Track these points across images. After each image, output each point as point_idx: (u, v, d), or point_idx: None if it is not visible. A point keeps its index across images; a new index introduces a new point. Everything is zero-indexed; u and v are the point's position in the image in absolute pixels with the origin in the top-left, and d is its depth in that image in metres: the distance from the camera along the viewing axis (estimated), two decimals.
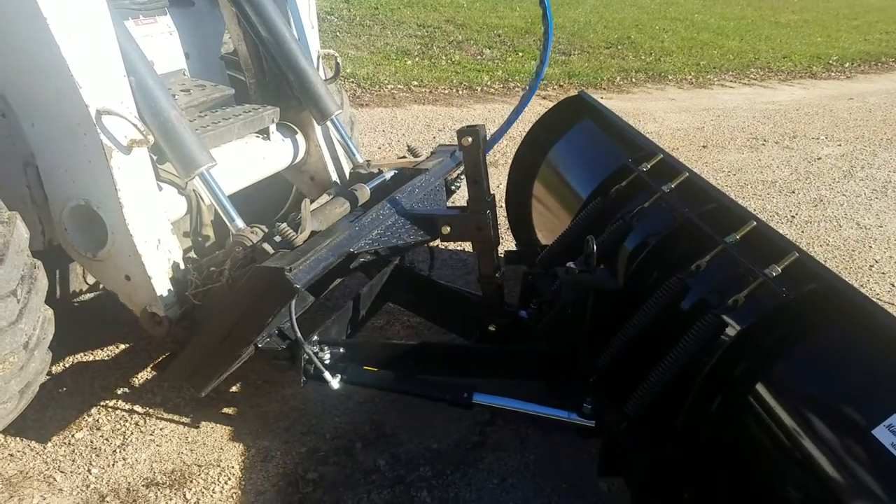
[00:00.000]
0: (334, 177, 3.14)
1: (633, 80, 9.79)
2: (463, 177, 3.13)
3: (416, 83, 7.90)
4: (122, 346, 2.89)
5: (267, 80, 3.03)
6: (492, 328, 2.62)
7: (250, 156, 2.81)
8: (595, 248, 2.30)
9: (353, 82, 7.49)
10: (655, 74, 10.12)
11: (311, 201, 3.25)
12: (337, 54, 3.14)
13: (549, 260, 2.89)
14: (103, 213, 2.10)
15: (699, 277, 2.19)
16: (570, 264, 2.33)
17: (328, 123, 3.01)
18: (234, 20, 2.92)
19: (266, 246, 2.10)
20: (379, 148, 5.73)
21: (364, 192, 2.71)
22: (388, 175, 2.91)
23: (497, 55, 10.10)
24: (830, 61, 12.04)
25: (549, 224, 3.77)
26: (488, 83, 8.48)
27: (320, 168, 3.14)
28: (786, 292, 1.92)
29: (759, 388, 1.90)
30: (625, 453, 2.12)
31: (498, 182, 5.35)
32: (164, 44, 2.88)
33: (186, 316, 2.19)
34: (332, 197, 2.67)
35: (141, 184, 2.13)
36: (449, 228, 2.49)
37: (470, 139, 2.38)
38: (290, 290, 1.90)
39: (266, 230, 2.21)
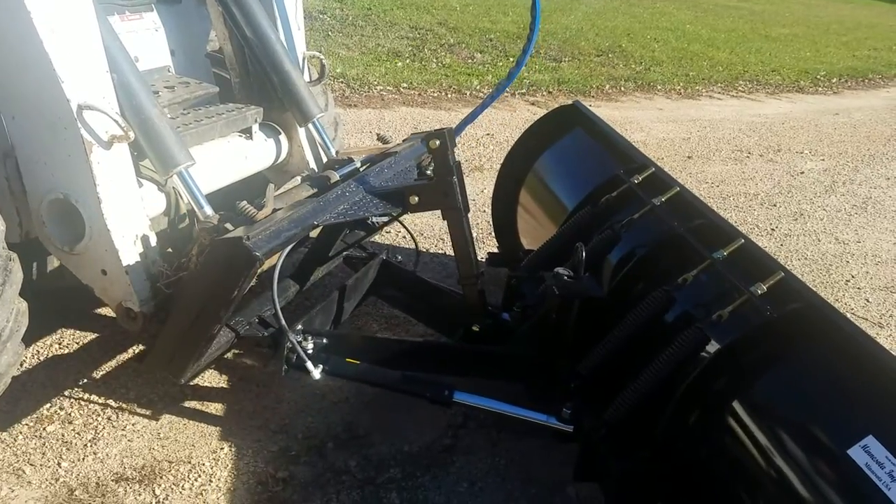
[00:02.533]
0: None
1: (622, 88, 9.85)
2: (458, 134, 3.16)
3: (405, 85, 7.92)
4: (98, 338, 2.89)
5: (251, 80, 3.05)
6: (475, 328, 2.64)
7: (232, 155, 2.82)
8: (584, 255, 2.34)
9: (342, 82, 7.50)
10: (644, 84, 10.19)
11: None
12: (322, 56, 3.16)
13: (535, 264, 2.92)
14: (81, 207, 2.10)
15: (685, 290, 2.23)
16: (558, 270, 2.37)
17: (309, 125, 3.03)
18: (220, 19, 2.94)
19: (227, 225, 2.12)
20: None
21: (333, 177, 2.73)
22: (359, 162, 2.93)
23: (488, 59, 10.13)
24: (818, 76, 12.18)
25: (534, 230, 3.80)
26: (477, 87, 8.52)
27: (302, 168, 3.15)
28: (770, 310, 1.96)
29: (738, 404, 1.94)
30: (602, 460, 2.15)
31: (483, 186, 5.39)
32: (149, 40, 2.89)
33: (161, 309, 2.20)
34: (299, 183, 2.69)
35: (120, 179, 2.14)
36: (417, 198, 2.50)
37: (438, 142, 2.43)
38: (250, 259, 1.89)
39: None
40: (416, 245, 3.19)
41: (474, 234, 4.56)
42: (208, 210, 2.28)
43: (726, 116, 9.02)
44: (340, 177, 2.75)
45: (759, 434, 1.91)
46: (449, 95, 8.01)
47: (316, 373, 2.24)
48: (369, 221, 3.00)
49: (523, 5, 14.73)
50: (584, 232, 2.88)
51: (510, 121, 7.36)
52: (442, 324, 2.85)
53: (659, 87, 10.17)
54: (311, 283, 2.85)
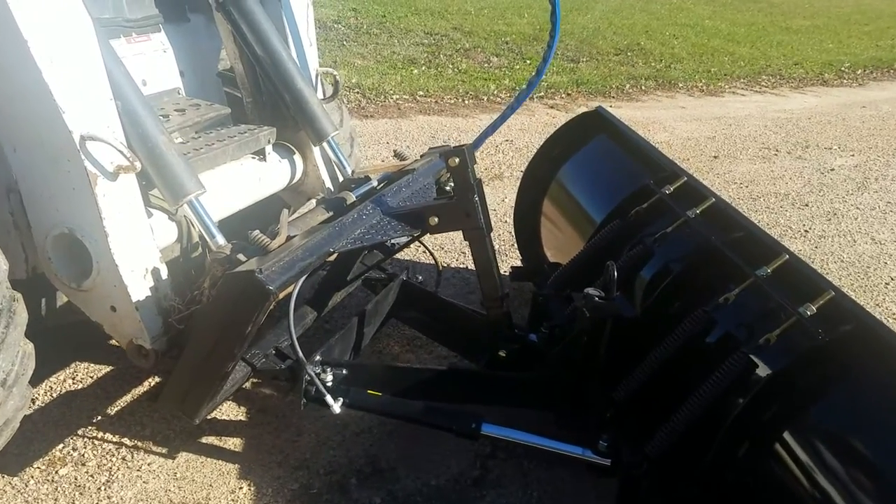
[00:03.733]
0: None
1: (643, 87, 9.67)
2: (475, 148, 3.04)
3: (421, 93, 7.82)
4: (113, 371, 2.81)
5: (264, 99, 2.95)
6: (501, 354, 2.52)
7: (245, 178, 2.72)
8: (616, 274, 2.22)
9: (357, 93, 7.42)
10: (665, 82, 10.00)
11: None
12: (336, 72, 3.06)
13: (562, 281, 2.79)
14: (88, 241, 2.01)
15: (727, 311, 2.10)
16: (589, 290, 2.25)
17: (324, 144, 2.92)
18: (230, 38, 2.85)
19: (240, 256, 2.02)
20: (382, 160, 5.65)
21: (349, 198, 2.63)
22: (376, 181, 2.83)
23: (504, 63, 10.01)
24: (842, 68, 11.89)
25: (559, 242, 3.68)
26: (495, 92, 8.39)
27: (318, 188, 3.05)
28: (821, 333, 1.82)
29: (790, 434, 1.82)
30: (644, 496, 2.02)
31: (503, 195, 5.26)
32: (157, 62, 2.80)
33: (173, 345, 2.10)
34: (314, 206, 2.59)
35: (128, 211, 2.05)
36: (437, 219, 2.39)
37: (457, 159, 2.31)
38: (263, 293, 1.80)
39: None
40: (438, 264, 3.07)
41: (496, 246, 4.44)
42: (220, 239, 2.18)
43: (751, 113, 8.81)
44: (357, 197, 2.65)
45: (814, 465, 1.78)
46: (466, 102, 7.89)
47: (336, 407, 2.13)
48: (388, 244, 2.89)
49: (538, 6, 14.59)
50: (613, 246, 2.75)
51: (529, 126, 7.22)
52: (466, 347, 2.73)
53: (680, 85, 9.97)
54: (330, 308, 2.74)
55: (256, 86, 2.93)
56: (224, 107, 2.86)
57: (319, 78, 3.11)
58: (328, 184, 3.06)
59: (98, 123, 1.96)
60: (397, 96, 7.56)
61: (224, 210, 2.61)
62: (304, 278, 2.05)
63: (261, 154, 2.82)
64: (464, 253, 4.24)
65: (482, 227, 2.41)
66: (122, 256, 2.02)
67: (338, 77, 3.05)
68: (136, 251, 2.07)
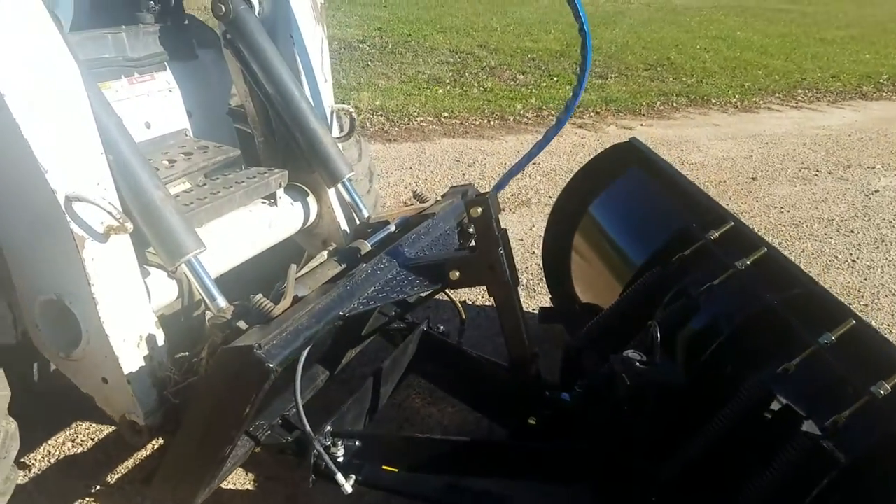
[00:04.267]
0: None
1: (675, 104, 9.41)
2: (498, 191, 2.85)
3: (446, 114, 7.64)
4: (115, 433, 2.64)
5: (276, 138, 2.78)
6: (532, 421, 2.30)
7: (254, 225, 2.55)
8: (659, 336, 2.01)
9: (381, 115, 7.27)
10: (698, 98, 9.72)
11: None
12: (352, 109, 2.88)
13: (598, 333, 2.58)
14: (76, 309, 1.85)
15: (787, 383, 1.87)
16: (628, 353, 2.04)
17: (339, 185, 2.74)
18: (240, 76, 2.69)
19: (240, 323, 1.83)
20: (405, 187, 5.47)
21: (363, 248, 2.45)
22: (393, 226, 2.65)
23: (531, 80, 9.81)
24: (881, 80, 11.49)
25: (591, 281, 3.46)
26: (521, 112, 8.19)
27: (333, 231, 2.87)
28: None
29: None
30: None
31: (531, 223, 5.05)
32: (163, 102, 2.65)
33: (169, 420, 1.92)
34: (326, 258, 2.41)
35: (120, 275, 1.88)
36: (458, 273, 2.21)
37: (480, 209, 2.12)
38: (262, 372, 1.62)
39: None
40: (461, 313, 2.86)
41: (523, 280, 4.22)
42: (221, 301, 2.00)
43: (788, 130, 8.50)
44: (372, 246, 2.47)
45: None
46: (492, 122, 7.70)
47: (347, 486, 1.93)
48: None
49: (565, 21, 14.39)
50: (653, 296, 2.53)
51: (557, 147, 6.99)
52: (493, 408, 2.51)
53: (713, 101, 9.69)
54: (344, 365, 2.55)
55: (268, 125, 2.76)
56: (233, 149, 2.69)
57: (335, 115, 2.93)
58: (344, 226, 2.88)
59: (86, 182, 1.79)
60: (421, 118, 7.40)
61: (231, 260, 2.44)
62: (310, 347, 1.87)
63: (272, 198, 2.65)
64: None
65: (508, 281, 2.20)
66: (113, 325, 1.85)
67: (353, 114, 2.87)
68: (129, 318, 1.90)
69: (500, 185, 2.79)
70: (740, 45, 13.38)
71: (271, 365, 1.62)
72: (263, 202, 2.64)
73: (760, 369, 1.98)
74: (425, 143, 6.65)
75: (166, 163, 2.49)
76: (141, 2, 2.71)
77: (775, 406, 1.87)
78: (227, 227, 2.42)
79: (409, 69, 9.62)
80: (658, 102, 9.35)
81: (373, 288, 2.06)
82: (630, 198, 3.34)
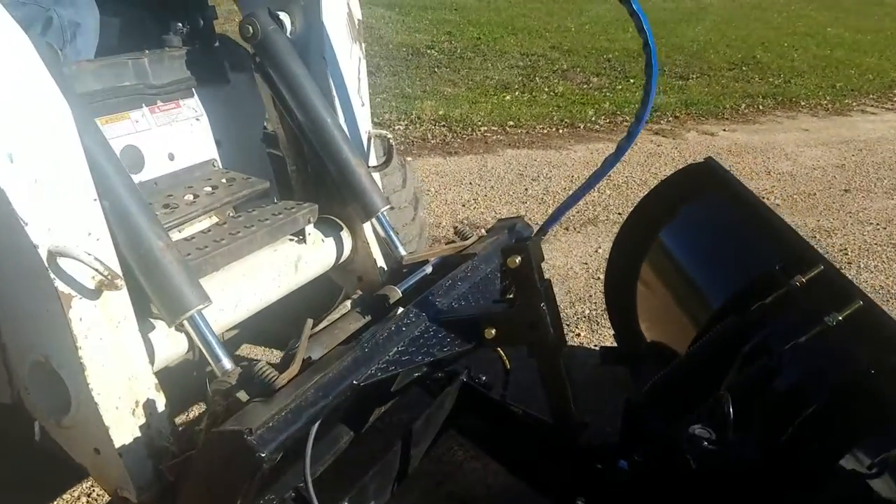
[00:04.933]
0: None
1: (760, 107, 8.83)
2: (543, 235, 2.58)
3: (511, 123, 7.35)
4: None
5: (308, 168, 2.58)
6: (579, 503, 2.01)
7: (279, 266, 2.35)
8: (731, 410, 1.71)
9: (443, 126, 7.03)
10: (785, 100, 9.11)
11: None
12: (389, 135, 2.65)
13: (663, 391, 2.27)
14: (64, 373, 1.68)
15: (887, 472, 1.54)
16: (696, 429, 1.75)
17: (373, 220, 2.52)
18: (271, 102, 2.50)
19: (241, 394, 1.62)
20: (463, 205, 5.22)
21: (393, 295, 2.21)
22: (430, 267, 2.41)
23: (605, 83, 9.40)
24: None
25: (658, 316, 3.15)
26: (593, 118, 7.81)
27: (369, 267, 2.65)
28: None
29: None
30: None
31: (597, 244, 4.71)
32: (188, 131, 2.49)
33: (165, 498, 1.74)
34: (349, 308, 2.18)
35: (113, 335, 1.71)
36: (494, 331, 1.95)
37: (518, 259, 1.85)
38: (252, 462, 1.41)
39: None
40: (505, 362, 2.59)
41: (585, 312, 3.91)
42: (227, 363, 1.80)
43: (884, 135, 7.82)
44: (404, 292, 2.23)
45: None
46: (560, 131, 7.36)
47: None
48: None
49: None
50: (727, 351, 2.20)
51: (629, 156, 6.56)
52: (535, 477, 2.23)
53: (802, 103, 9.05)
54: (372, 423, 2.31)
55: (300, 154, 2.57)
56: (262, 181, 2.51)
57: (372, 142, 2.71)
58: (381, 262, 2.65)
59: (73, 233, 1.62)
60: (485, 128, 7.13)
61: (253, 305, 2.25)
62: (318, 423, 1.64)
63: (300, 235, 2.45)
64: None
65: (551, 342, 1.92)
66: (104, 391, 1.68)
67: (391, 141, 2.64)
68: (124, 383, 1.72)
69: (547, 227, 2.51)
70: (831, 43, 12.54)
71: (262, 455, 1.40)
72: (291, 239, 2.44)
73: (855, 454, 1.67)
74: (488, 156, 6.38)
75: (190, 197, 2.33)
76: (170, 24, 2.57)
77: None
78: (248, 270, 2.23)
79: (477, 75, 9.36)
80: (742, 105, 8.80)
81: (395, 349, 1.82)
82: (705, 226, 3.01)
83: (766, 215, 2.57)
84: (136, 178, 2.28)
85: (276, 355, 3.29)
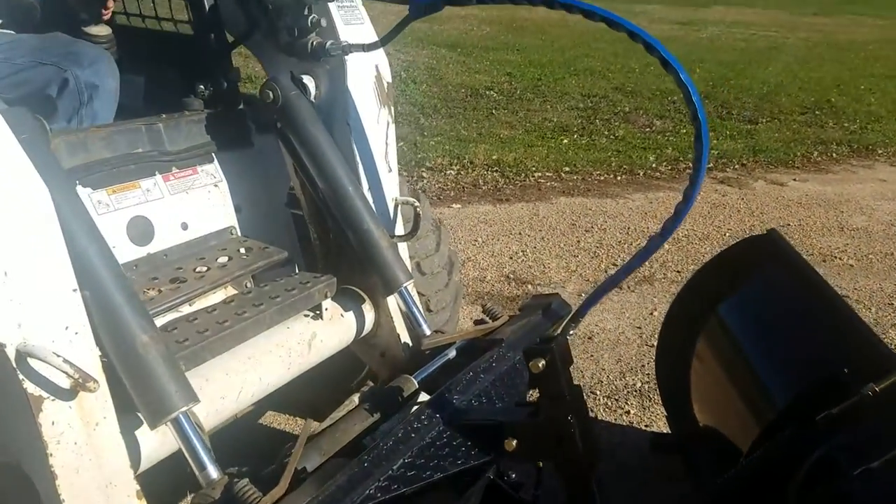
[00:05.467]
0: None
1: (834, 154, 8.36)
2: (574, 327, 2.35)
3: (567, 169, 7.12)
4: None
5: (330, 237, 2.43)
6: None
7: (290, 346, 2.19)
8: None
9: (496, 171, 6.86)
10: (861, 147, 8.60)
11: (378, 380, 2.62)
12: (417, 203, 2.48)
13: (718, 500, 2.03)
14: (36, 479, 1.53)
15: None
16: None
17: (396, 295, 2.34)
18: (292, 168, 2.37)
19: None
20: (511, 258, 5.00)
21: (408, 387, 2.02)
22: (454, 351, 2.20)
23: (668, 126, 9.09)
24: None
25: (714, 399, 2.87)
26: (653, 164, 7.51)
27: (392, 342, 2.47)
28: None
29: None
30: None
31: (653, 306, 4.42)
32: (205, 199, 2.37)
33: None
34: (357, 404, 1.99)
35: (88, 439, 1.56)
36: (516, 443, 1.73)
37: (542, 363, 1.63)
38: None
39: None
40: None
41: (636, 383, 3.63)
42: (212, 471, 1.63)
43: None
44: (421, 382, 2.04)
45: None
46: (618, 178, 7.09)
47: None
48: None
49: (712, 59, 13.50)
50: (788, 462, 1.93)
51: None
52: None
53: (879, 151, 8.53)
54: None
55: (321, 222, 2.42)
56: (279, 251, 2.38)
57: (399, 210, 2.54)
58: (405, 338, 2.47)
59: (47, 329, 1.49)
60: (539, 174, 6.92)
61: (257, 393, 2.09)
62: None
63: (316, 310, 2.29)
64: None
65: (580, 460, 1.69)
66: (77, 501, 1.53)
67: (418, 209, 2.47)
68: (100, 491, 1.57)
69: (582, 313, 2.27)
70: None
71: None
72: (306, 315, 2.29)
73: None
74: (540, 204, 6.16)
75: (202, 269, 2.21)
76: (193, 85, 2.48)
77: None
78: (255, 353, 2.07)
79: (535, 116, 9.19)
80: (815, 153, 8.35)
81: (401, 461, 1.62)
82: (767, 308, 2.74)
83: (835, 304, 2.29)
84: (145, 250, 2.18)
85: (298, 424, 3.13)
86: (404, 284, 2.29)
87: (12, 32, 2.44)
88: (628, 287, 4.72)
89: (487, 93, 10.11)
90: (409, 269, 2.54)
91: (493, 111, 9.31)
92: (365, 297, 2.45)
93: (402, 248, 2.58)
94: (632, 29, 1.93)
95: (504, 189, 6.45)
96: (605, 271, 4.87)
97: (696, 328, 2.86)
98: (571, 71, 11.67)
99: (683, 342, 2.91)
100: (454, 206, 6.01)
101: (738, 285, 2.79)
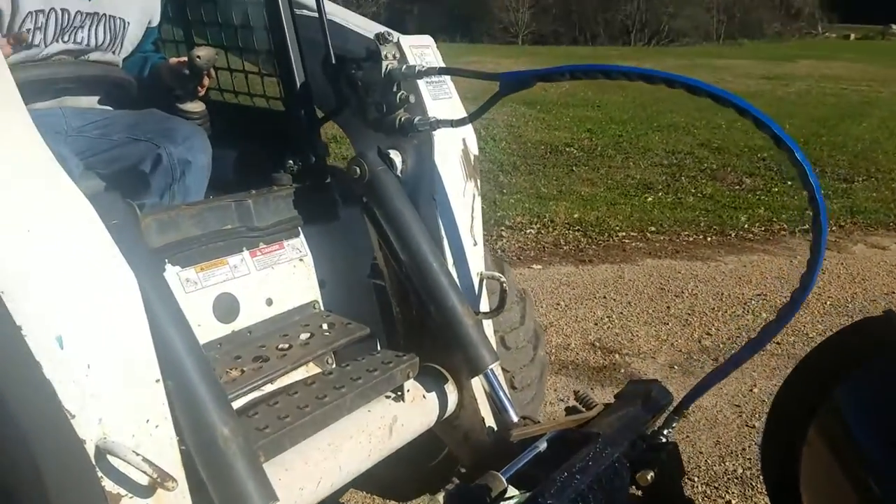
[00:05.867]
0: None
1: None
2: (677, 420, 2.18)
3: (653, 229, 6.90)
4: None
5: (413, 312, 2.36)
6: None
7: (371, 430, 2.10)
8: None
9: (577, 230, 6.71)
10: None
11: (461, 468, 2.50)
12: (503, 278, 2.38)
13: None
14: None
15: None
16: None
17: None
18: (377, 244, 2.32)
19: None
20: (595, 324, 4.82)
21: (496, 486, 1.87)
22: (544, 443, 2.06)
23: (759, 185, 8.75)
24: None
25: (826, 493, 2.60)
26: (745, 225, 7.20)
27: (476, 426, 2.35)
28: None
29: None
30: None
31: (752, 381, 4.15)
32: (290, 273, 2.34)
33: None
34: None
35: None
36: None
37: (651, 475, 1.48)
38: None
39: None
40: None
41: (737, 470, 3.37)
42: None
43: None
44: (510, 479, 1.90)
45: None
46: (708, 239, 6.81)
47: None
48: None
49: (803, 114, 13.07)
50: None
51: (788, 272, 5.94)
52: None
53: None
54: None
55: (405, 298, 2.35)
56: (362, 327, 2.32)
57: (484, 285, 2.45)
58: (490, 421, 2.34)
59: (128, 424, 1.45)
60: (623, 234, 6.73)
61: (336, 482, 2.00)
62: None
63: (398, 391, 2.21)
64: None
65: None
66: None
67: (504, 285, 2.37)
68: None
69: (687, 404, 2.11)
70: None
71: None
72: (388, 396, 2.20)
73: None
74: (625, 265, 5.96)
75: (284, 346, 2.17)
76: (282, 160, 2.48)
77: None
78: (335, 439, 1.99)
79: (618, 173, 9.02)
80: None
81: None
82: (889, 395, 2.49)
83: None
84: (230, 328, 2.16)
85: None
86: (490, 366, 2.18)
87: (110, 109, 2.52)
88: (723, 358, 4.45)
89: (567, 149, 10.03)
90: (494, 343, 2.44)
91: (574, 168, 9.21)
92: (448, 376, 2.35)
93: (487, 322, 2.48)
94: (742, 105, 1.82)
95: (587, 249, 6.29)
96: (699, 341, 4.62)
97: (808, 414, 2.63)
98: (654, 127, 11.48)
99: (793, 428, 2.67)
100: (535, 266, 5.89)
101: (855, 370, 2.56)
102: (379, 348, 2.41)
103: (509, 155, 9.62)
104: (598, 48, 33.38)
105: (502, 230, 6.73)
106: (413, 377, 2.22)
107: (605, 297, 5.27)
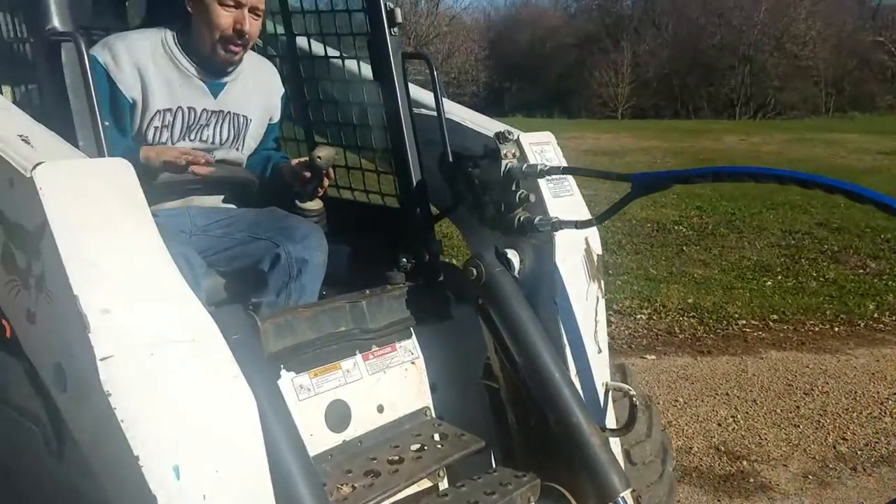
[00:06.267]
0: None
1: None
2: None
3: (775, 317, 6.46)
4: None
5: (532, 423, 2.20)
6: None
7: None
8: None
9: (693, 317, 6.36)
10: None
11: None
12: (632, 390, 2.20)
13: None
14: None
15: None
16: None
17: None
18: (492, 348, 2.20)
19: None
20: (719, 424, 4.46)
21: None
22: None
23: (886, 268, 8.11)
24: None
25: None
26: (874, 314, 6.63)
27: None
28: None
29: None
30: None
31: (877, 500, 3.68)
32: (401, 377, 2.25)
33: None
34: None
35: None
36: None
37: None
38: None
39: None
40: None
41: None
42: None
43: None
44: None
45: None
46: (835, 328, 6.30)
47: None
48: None
49: None
50: None
51: None
52: None
53: None
54: None
55: (522, 408, 2.20)
56: (477, 440, 2.18)
57: (610, 396, 2.27)
58: None
59: None
60: (743, 321, 6.32)
61: None
62: None
63: None
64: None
65: None
66: None
67: (634, 398, 2.18)
68: None
69: None
70: None
71: None
72: None
73: None
74: (747, 357, 5.56)
75: (396, 458, 2.06)
76: (396, 257, 2.43)
77: None
78: None
79: (732, 254, 8.60)
80: None
81: None
82: None
83: None
84: (341, 437, 2.08)
85: None
86: (622, 494, 1.98)
87: (234, 207, 2.55)
88: (862, 468, 4.01)
89: (676, 227, 9.69)
90: (620, 460, 2.24)
91: (684, 248, 8.85)
92: (570, 499, 2.15)
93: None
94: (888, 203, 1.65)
95: (704, 339, 5.93)
96: (833, 447, 4.18)
97: None
98: (768, 205, 10.96)
99: None
100: (648, 357, 5.58)
101: None
102: (493, 461, 2.26)
103: (613, 233, 9.36)
104: (703, 121, 32.74)
105: (610, 315, 6.46)
106: (535, 502, 2.04)
107: (727, 394, 4.89)
